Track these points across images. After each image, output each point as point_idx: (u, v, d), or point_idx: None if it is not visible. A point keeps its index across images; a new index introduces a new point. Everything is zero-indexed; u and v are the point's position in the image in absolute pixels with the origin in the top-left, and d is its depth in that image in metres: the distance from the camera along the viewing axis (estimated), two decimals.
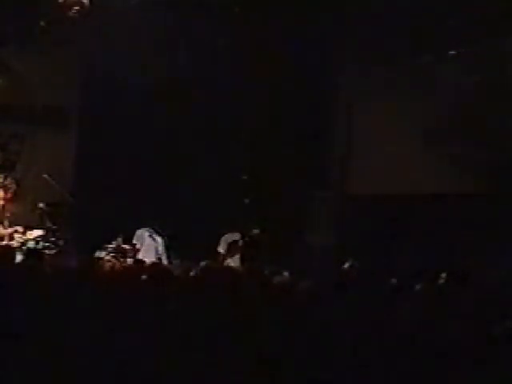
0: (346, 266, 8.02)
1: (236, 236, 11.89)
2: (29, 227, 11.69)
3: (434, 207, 11.40)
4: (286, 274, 6.50)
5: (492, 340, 4.98)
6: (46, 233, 11.88)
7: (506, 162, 10.80)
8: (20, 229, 11.65)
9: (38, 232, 11.63)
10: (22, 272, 5.88)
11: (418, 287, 6.04)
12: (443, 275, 6.20)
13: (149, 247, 12.06)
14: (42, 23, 11.38)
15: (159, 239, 12.20)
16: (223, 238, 11.84)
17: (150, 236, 12.05)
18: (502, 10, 10.01)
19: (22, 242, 11.46)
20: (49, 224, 12.00)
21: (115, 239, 11.95)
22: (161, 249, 12.18)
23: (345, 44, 11.87)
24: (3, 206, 12.28)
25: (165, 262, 11.73)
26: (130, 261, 11.38)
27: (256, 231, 11.74)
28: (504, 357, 4.74)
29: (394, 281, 6.63)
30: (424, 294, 5.89)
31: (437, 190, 11.45)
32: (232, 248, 11.75)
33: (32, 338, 4.39)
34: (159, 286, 5.59)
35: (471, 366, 4.68)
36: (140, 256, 11.66)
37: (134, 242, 12.00)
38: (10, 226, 11.78)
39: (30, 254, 7.23)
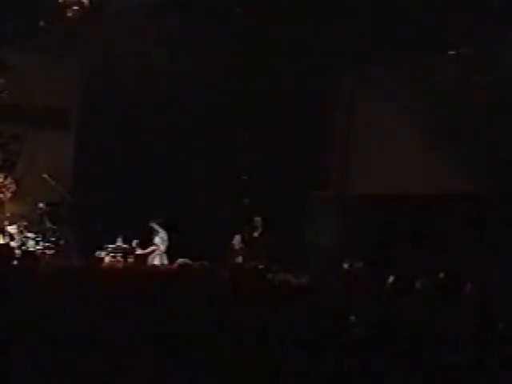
0: (346, 265, 8.02)
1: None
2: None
3: (434, 207, 11.40)
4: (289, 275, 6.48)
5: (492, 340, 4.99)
6: (46, 232, 11.91)
7: (506, 162, 10.80)
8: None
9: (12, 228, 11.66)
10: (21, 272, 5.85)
11: (417, 286, 6.04)
12: (441, 275, 6.20)
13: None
14: (42, 23, 11.37)
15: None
16: (236, 237, 11.91)
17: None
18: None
19: (22, 241, 11.49)
20: (49, 224, 12.02)
21: (116, 239, 11.98)
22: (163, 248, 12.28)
23: (345, 44, 11.85)
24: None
25: (165, 261, 11.78)
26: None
27: (256, 232, 11.77)
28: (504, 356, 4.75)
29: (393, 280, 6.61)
30: (424, 294, 5.90)
31: (437, 190, 11.44)
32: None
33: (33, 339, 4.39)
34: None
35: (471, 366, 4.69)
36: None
37: (158, 242, 12.13)
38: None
39: (24, 255, 7.18)
